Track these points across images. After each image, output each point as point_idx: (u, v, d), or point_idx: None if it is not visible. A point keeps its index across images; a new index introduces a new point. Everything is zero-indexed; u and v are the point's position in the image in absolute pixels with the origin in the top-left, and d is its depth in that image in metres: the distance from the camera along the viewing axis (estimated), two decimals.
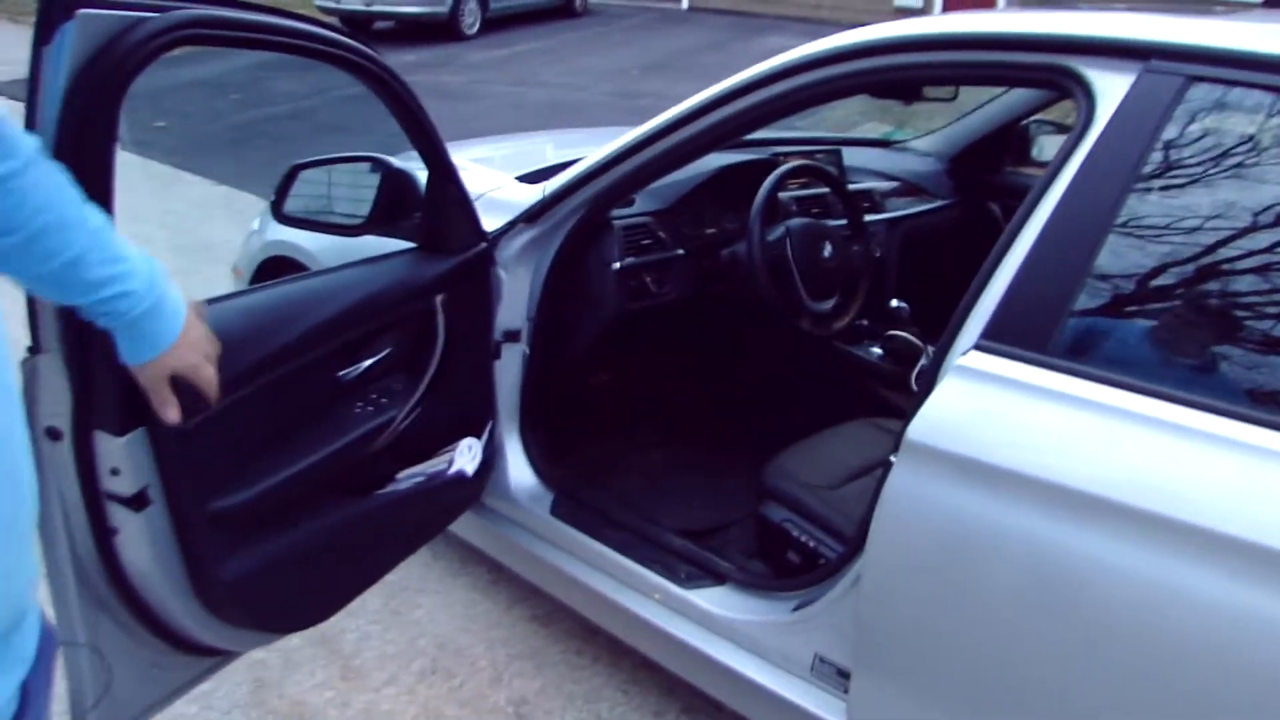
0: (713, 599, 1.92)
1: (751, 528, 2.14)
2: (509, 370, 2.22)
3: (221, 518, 1.50)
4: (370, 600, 2.59)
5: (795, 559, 1.94)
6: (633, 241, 2.32)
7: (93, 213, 1.04)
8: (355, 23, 11.88)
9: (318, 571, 1.74)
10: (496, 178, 2.32)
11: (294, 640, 2.44)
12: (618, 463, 2.64)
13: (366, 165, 1.90)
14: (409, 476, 1.91)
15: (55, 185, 0.99)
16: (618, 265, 2.27)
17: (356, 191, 1.93)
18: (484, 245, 1.98)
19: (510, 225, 2.12)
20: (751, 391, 2.91)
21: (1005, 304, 1.36)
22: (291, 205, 1.93)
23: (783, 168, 2.46)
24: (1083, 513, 1.23)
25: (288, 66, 10.88)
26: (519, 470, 2.30)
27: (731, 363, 2.95)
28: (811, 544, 1.90)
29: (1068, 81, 1.45)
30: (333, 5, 11.66)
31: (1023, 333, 1.34)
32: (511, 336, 2.17)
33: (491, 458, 2.16)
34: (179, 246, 4.93)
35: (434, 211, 1.90)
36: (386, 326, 1.83)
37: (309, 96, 9.49)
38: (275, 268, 2.63)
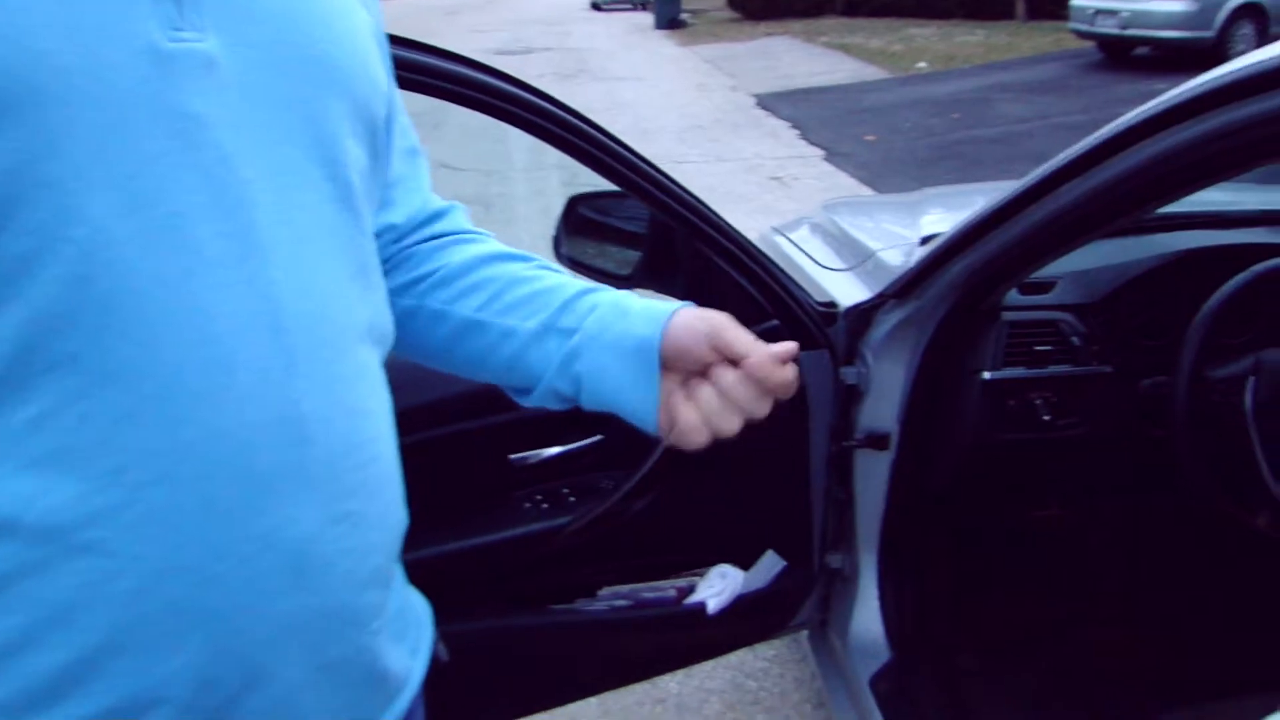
0: None
1: None
2: (871, 482, 1.69)
3: None
4: (711, 703, 2.22)
5: None
6: (1022, 344, 1.61)
7: None
8: (1111, 48, 11.13)
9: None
10: (896, 235, 1.78)
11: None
12: (1011, 639, 1.91)
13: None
14: (611, 596, 1.52)
15: None
16: (988, 375, 1.60)
17: (640, 233, 1.57)
18: (774, 323, 1.48)
19: (878, 300, 1.60)
20: (1174, 598, 1.92)
21: None
22: (571, 243, 1.62)
23: (1268, 264, 1.54)
24: None
25: (1024, 89, 10.37)
26: (864, 611, 1.76)
27: (1163, 547, 1.95)
28: None
29: None
30: (1086, 29, 11.09)
31: None
32: (876, 441, 1.64)
33: (771, 599, 1.66)
34: None
35: (690, 272, 1.48)
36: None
37: (1026, 120, 8.95)
38: None
